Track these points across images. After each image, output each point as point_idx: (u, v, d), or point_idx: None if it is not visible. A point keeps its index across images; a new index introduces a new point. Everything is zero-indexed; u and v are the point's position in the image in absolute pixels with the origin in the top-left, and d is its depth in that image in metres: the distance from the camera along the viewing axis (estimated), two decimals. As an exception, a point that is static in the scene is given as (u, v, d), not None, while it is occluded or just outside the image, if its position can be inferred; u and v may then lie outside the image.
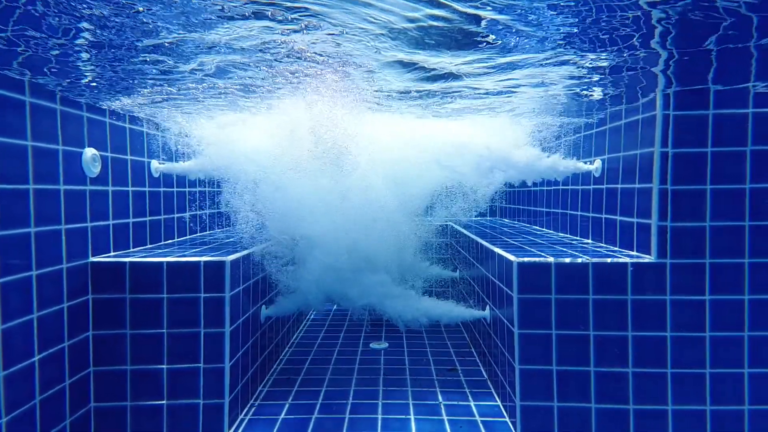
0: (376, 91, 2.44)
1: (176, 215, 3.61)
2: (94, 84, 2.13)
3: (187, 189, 3.78)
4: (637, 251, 2.73)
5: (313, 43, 1.69)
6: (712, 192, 2.51)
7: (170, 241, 3.48)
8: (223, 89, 2.35)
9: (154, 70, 1.99)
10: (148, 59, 1.83)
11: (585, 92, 2.35)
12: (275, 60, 1.87)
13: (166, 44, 1.68)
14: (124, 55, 1.76)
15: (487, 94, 2.43)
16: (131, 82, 2.15)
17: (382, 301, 3.27)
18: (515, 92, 2.43)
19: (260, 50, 1.76)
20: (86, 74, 2.00)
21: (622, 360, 2.53)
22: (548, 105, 2.76)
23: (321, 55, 1.82)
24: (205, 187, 4.06)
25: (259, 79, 2.15)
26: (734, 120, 2.48)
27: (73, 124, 2.53)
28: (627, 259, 2.56)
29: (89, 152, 2.62)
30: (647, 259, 2.58)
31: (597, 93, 2.38)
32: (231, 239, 3.59)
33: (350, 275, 3.20)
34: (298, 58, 1.85)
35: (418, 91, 2.41)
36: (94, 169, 2.66)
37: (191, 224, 3.85)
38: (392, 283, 3.34)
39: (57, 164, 2.41)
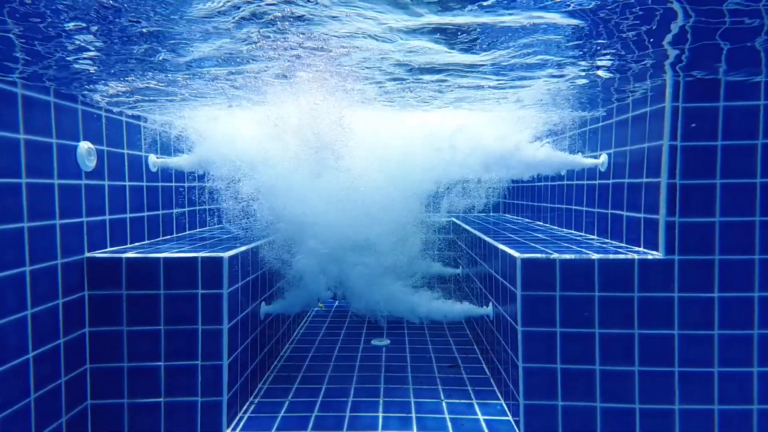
0: (371, 81, 2.36)
1: (175, 210, 3.56)
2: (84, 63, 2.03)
3: (186, 184, 3.73)
4: (644, 247, 2.67)
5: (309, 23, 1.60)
6: (722, 186, 2.44)
7: (168, 236, 3.43)
8: (211, 76, 2.26)
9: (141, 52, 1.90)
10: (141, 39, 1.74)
11: (594, 68, 2.23)
12: (266, 40, 1.78)
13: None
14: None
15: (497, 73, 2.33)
16: (119, 62, 2.05)
17: (367, 291, 3.20)
18: (526, 77, 2.34)
19: (247, 31, 1.68)
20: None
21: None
22: (553, 93, 2.68)
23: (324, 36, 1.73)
24: (204, 182, 4.02)
25: (249, 62, 2.06)
26: (745, 112, 2.41)
27: (68, 117, 2.48)
28: (634, 256, 2.50)
29: (84, 146, 2.57)
30: (655, 255, 2.52)
31: (605, 65, 2.25)
32: (230, 235, 3.54)
33: (336, 260, 3.14)
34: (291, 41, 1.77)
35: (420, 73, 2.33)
36: (90, 163, 2.61)
37: (190, 220, 3.80)
38: (382, 270, 3.27)
39: (51, 158, 2.36)
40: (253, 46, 1.81)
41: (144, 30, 1.64)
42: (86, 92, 2.47)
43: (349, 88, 2.49)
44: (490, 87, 2.48)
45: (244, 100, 2.78)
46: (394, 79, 2.38)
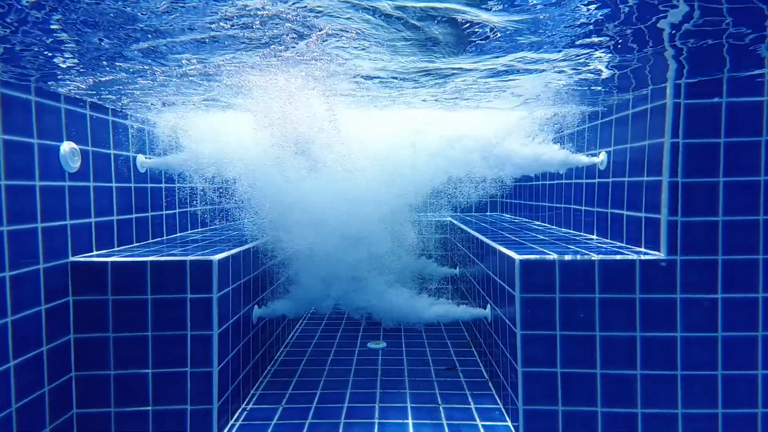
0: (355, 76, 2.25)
1: (165, 212, 3.48)
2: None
3: (176, 185, 3.65)
4: (645, 248, 2.61)
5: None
6: (725, 185, 2.38)
7: (158, 239, 3.35)
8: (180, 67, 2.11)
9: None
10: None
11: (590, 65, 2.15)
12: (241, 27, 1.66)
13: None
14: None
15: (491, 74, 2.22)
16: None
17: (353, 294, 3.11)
18: (518, 69, 2.24)
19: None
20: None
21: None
22: (551, 89, 2.60)
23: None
24: (196, 182, 3.93)
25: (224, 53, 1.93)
26: (749, 108, 2.35)
27: (50, 116, 2.40)
28: (635, 256, 2.43)
29: (67, 146, 2.48)
30: (656, 255, 2.45)
31: (603, 65, 2.16)
32: (222, 237, 3.46)
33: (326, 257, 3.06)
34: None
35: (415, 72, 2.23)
36: (73, 164, 2.52)
37: (182, 221, 3.72)
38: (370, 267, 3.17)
39: (32, 159, 2.27)
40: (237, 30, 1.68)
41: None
42: (59, 82, 2.29)
43: (337, 85, 2.40)
44: (496, 72, 2.35)
45: (226, 93, 2.64)
46: (393, 77, 2.30)
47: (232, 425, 2.70)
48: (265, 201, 2.99)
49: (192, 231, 3.85)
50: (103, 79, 2.25)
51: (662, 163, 2.44)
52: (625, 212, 2.82)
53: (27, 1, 1.42)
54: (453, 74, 2.30)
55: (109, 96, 2.62)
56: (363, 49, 1.91)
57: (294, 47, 1.87)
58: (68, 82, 2.29)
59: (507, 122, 3.37)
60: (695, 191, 2.39)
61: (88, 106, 2.68)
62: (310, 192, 2.98)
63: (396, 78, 2.35)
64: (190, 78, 2.30)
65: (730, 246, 2.39)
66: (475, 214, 5.54)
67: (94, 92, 2.52)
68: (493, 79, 2.41)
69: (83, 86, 2.36)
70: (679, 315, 2.41)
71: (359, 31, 1.71)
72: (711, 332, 2.42)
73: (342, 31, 1.70)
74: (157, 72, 2.17)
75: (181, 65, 2.08)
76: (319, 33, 1.71)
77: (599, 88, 2.59)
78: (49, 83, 2.29)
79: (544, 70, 2.23)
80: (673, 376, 2.42)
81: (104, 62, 2.01)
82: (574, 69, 2.21)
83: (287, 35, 1.74)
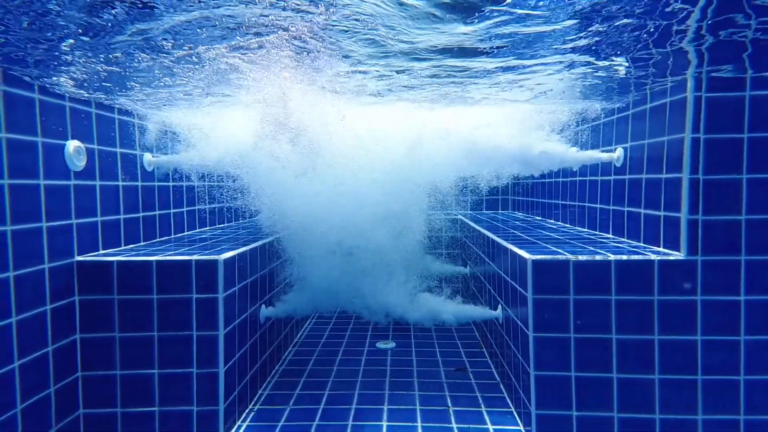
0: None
1: (172, 211, 3.45)
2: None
3: (184, 183, 3.62)
4: (664, 247, 2.51)
5: None
6: (749, 182, 2.27)
7: (166, 238, 3.33)
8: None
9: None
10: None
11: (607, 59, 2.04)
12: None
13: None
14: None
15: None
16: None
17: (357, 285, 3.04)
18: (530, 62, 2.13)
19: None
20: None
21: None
22: (566, 82, 2.50)
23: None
24: (204, 181, 3.90)
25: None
26: (775, 102, 2.24)
27: (54, 114, 2.37)
28: (653, 256, 2.34)
29: (73, 145, 2.46)
30: (676, 256, 2.35)
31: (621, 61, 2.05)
32: (230, 235, 3.43)
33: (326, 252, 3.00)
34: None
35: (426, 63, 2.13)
36: (79, 163, 2.50)
37: (190, 220, 3.70)
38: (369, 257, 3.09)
39: (36, 157, 2.25)
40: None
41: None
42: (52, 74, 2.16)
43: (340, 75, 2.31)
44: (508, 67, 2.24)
45: (227, 87, 2.55)
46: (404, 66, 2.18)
47: (239, 426, 2.66)
48: (273, 198, 2.95)
49: (201, 229, 3.83)
50: (80, 68, 2.12)
51: (682, 159, 2.34)
52: (642, 210, 2.72)
53: None
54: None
55: (80, 90, 2.48)
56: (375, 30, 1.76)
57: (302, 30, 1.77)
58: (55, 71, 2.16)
59: (520, 118, 3.28)
60: (717, 189, 2.29)
61: (93, 105, 2.66)
62: (318, 191, 2.93)
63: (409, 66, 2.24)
64: (180, 66, 2.17)
65: (753, 246, 2.29)
66: (487, 211, 5.45)
67: (84, 83, 2.38)
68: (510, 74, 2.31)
69: (75, 74, 2.22)
70: (700, 317, 2.32)
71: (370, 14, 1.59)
72: (733, 335, 2.32)
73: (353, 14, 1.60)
74: (143, 58, 2.04)
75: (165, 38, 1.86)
76: (331, 9, 1.59)
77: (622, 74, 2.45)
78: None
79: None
80: (693, 381, 2.33)
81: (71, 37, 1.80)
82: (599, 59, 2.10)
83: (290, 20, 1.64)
